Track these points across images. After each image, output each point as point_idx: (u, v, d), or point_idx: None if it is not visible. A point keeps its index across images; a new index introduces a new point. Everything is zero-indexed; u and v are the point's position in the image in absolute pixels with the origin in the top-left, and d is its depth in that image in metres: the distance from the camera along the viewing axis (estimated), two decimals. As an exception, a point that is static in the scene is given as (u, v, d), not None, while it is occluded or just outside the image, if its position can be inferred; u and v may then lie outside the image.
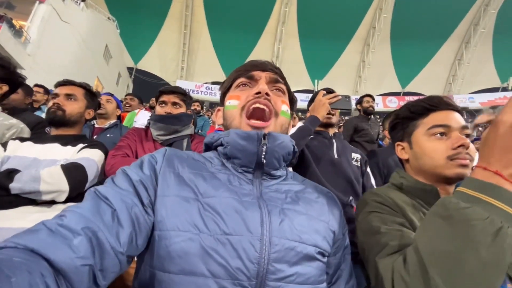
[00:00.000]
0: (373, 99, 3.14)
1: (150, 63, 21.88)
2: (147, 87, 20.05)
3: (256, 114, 0.63)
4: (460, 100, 17.84)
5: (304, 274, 0.49)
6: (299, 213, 0.55)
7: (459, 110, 0.78)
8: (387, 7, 19.52)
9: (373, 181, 1.49)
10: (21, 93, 2.20)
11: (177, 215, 0.48)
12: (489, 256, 0.41)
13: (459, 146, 0.70)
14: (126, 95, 3.71)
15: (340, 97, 1.30)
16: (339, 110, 1.48)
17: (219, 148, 0.63)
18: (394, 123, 0.88)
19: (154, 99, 3.62)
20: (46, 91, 3.26)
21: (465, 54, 21.12)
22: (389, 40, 21.62)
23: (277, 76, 0.70)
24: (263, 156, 0.58)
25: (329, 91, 1.39)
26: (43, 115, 2.27)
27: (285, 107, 0.67)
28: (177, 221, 0.48)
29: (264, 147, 0.59)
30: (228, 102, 0.68)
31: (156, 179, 0.53)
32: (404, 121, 0.84)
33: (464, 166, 0.69)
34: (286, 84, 0.72)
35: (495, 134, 0.46)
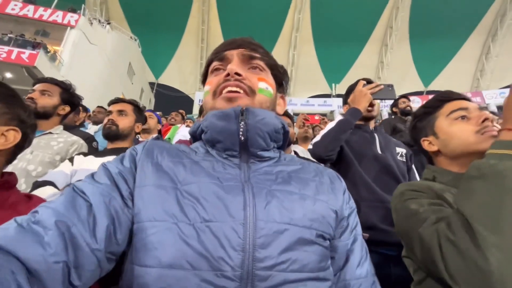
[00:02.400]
0: (409, 99, 3.03)
1: (170, 77, 22.76)
2: (168, 100, 20.90)
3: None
4: (490, 96, 16.79)
5: (300, 261, 0.44)
6: (291, 193, 0.50)
7: (470, 99, 0.82)
8: (404, 5, 19.04)
9: (417, 178, 1.38)
10: (75, 112, 2.45)
11: (154, 205, 0.45)
12: None
13: (484, 120, 0.72)
14: (172, 112, 4.14)
15: (382, 86, 1.21)
16: (378, 102, 1.38)
17: (203, 136, 0.58)
18: (414, 124, 0.91)
19: (173, 114, 4.02)
20: (85, 109, 3.54)
21: (493, 47, 19.96)
22: (408, 38, 20.98)
23: (252, 52, 0.62)
24: (240, 133, 0.53)
25: (369, 81, 1.30)
26: (87, 131, 2.49)
27: (263, 85, 0.60)
28: (154, 211, 0.44)
29: (243, 123, 0.54)
30: (204, 89, 0.63)
31: (136, 170, 0.51)
32: (422, 118, 0.87)
33: (496, 137, 0.68)
34: (265, 58, 0.64)
35: None
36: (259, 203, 0.46)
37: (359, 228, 0.59)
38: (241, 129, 0.54)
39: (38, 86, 1.35)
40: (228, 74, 0.57)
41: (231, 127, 0.54)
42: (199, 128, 0.59)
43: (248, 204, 0.46)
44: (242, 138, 0.54)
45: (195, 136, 0.62)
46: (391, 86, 1.23)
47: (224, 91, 0.57)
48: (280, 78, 0.68)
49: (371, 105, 1.36)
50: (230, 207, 0.45)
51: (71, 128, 2.24)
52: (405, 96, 3.07)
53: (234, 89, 0.57)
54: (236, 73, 0.57)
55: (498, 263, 0.43)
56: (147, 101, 20.64)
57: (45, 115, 1.34)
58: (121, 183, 0.48)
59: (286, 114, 1.82)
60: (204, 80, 0.68)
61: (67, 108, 1.42)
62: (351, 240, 0.56)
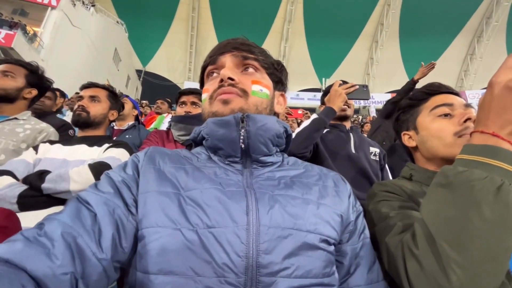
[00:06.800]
0: None
1: (158, 65, 22.12)
2: (156, 89, 20.33)
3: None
4: (472, 96, 17.38)
5: (304, 266, 0.43)
6: (293, 198, 0.50)
7: (459, 94, 0.78)
8: (395, 3, 19.18)
9: (390, 177, 1.46)
10: (52, 98, 2.32)
11: (156, 211, 0.45)
12: (494, 214, 0.40)
13: (466, 120, 0.68)
14: (157, 99, 3.84)
15: (357, 86, 1.24)
16: (353, 103, 1.46)
17: (204, 142, 0.58)
18: (397, 115, 0.87)
19: (158, 102, 3.76)
20: (62, 94, 3.36)
21: (478, 48, 20.57)
22: (398, 36, 21.24)
23: (245, 53, 0.61)
24: (241, 141, 0.53)
25: (345, 82, 1.32)
26: (64, 118, 2.37)
27: (256, 87, 0.59)
28: (156, 217, 0.44)
29: (243, 130, 0.53)
30: (202, 97, 0.64)
31: (139, 177, 0.51)
32: (406, 110, 0.83)
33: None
34: (260, 58, 0.62)
35: (491, 96, 0.45)
36: (262, 208, 0.46)
37: (367, 232, 0.58)
38: (242, 136, 0.53)
39: (0, 67, 1.25)
40: (221, 80, 0.57)
41: (231, 134, 0.53)
42: (200, 135, 0.59)
43: (251, 209, 0.45)
44: (243, 145, 0.54)
45: (196, 142, 0.62)
46: (365, 86, 1.26)
47: (218, 98, 0.58)
48: (277, 76, 0.66)
49: (347, 105, 1.42)
50: (232, 213, 0.45)
51: (47, 114, 2.13)
52: None
53: (226, 97, 0.57)
54: (229, 78, 0.57)
55: (459, 282, 0.41)
56: (134, 89, 20.04)
57: (8, 98, 1.24)
58: (125, 190, 0.48)
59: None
60: (201, 86, 0.68)
61: (34, 92, 1.32)
62: (360, 244, 0.55)
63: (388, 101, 2.21)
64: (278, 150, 0.60)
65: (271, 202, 0.47)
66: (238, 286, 0.40)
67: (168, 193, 0.47)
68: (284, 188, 0.52)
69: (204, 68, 0.66)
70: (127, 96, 2.33)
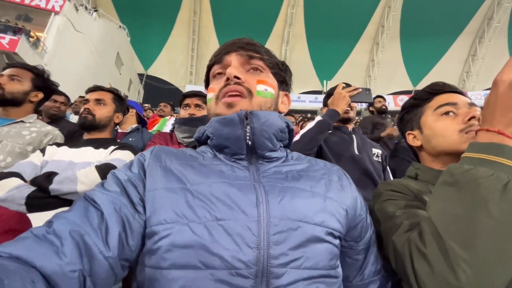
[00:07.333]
0: (384, 99, 3.17)
1: (160, 69, 22.26)
2: (158, 93, 20.43)
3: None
4: (475, 97, 17.28)
5: (312, 258, 0.44)
6: (302, 190, 0.50)
7: (463, 93, 0.77)
8: (395, 5, 19.22)
9: (391, 178, 1.47)
10: (67, 103, 2.36)
11: (164, 208, 0.45)
12: (501, 212, 0.40)
13: (470, 119, 0.68)
14: (160, 102, 3.88)
15: (360, 89, 1.25)
16: (356, 105, 1.47)
17: (209, 142, 0.59)
18: (401, 115, 0.88)
19: (161, 105, 3.78)
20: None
21: (479, 49, 20.51)
22: (399, 38, 21.24)
23: (251, 52, 0.61)
24: (247, 138, 0.54)
25: (348, 84, 1.34)
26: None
27: (261, 87, 0.59)
28: (165, 214, 0.45)
29: (248, 127, 0.54)
30: (208, 96, 0.64)
31: (145, 176, 0.51)
32: (410, 110, 0.84)
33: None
34: (265, 57, 0.63)
35: (496, 94, 0.46)
36: (272, 199, 0.47)
37: (373, 227, 0.61)
38: (248, 134, 0.54)
39: (7, 71, 1.27)
40: (228, 79, 0.58)
41: (236, 132, 0.54)
42: (204, 134, 0.59)
43: (261, 201, 0.46)
44: (250, 142, 0.54)
45: (201, 141, 0.63)
46: (368, 90, 1.28)
47: (225, 96, 0.58)
48: (282, 76, 0.67)
49: (350, 107, 1.43)
50: (242, 205, 0.45)
51: (59, 119, 2.16)
52: (380, 96, 3.22)
53: (234, 93, 0.57)
54: (235, 77, 0.57)
55: (468, 280, 0.41)
56: (136, 92, 20.15)
57: (15, 101, 1.26)
58: (131, 189, 0.49)
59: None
60: (206, 85, 0.68)
61: (40, 95, 1.34)
62: (371, 240, 0.58)
63: None
64: (282, 145, 0.61)
65: (282, 193, 0.48)
66: (249, 277, 0.40)
67: (174, 189, 0.48)
68: (292, 180, 0.52)
69: (209, 68, 0.66)
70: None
